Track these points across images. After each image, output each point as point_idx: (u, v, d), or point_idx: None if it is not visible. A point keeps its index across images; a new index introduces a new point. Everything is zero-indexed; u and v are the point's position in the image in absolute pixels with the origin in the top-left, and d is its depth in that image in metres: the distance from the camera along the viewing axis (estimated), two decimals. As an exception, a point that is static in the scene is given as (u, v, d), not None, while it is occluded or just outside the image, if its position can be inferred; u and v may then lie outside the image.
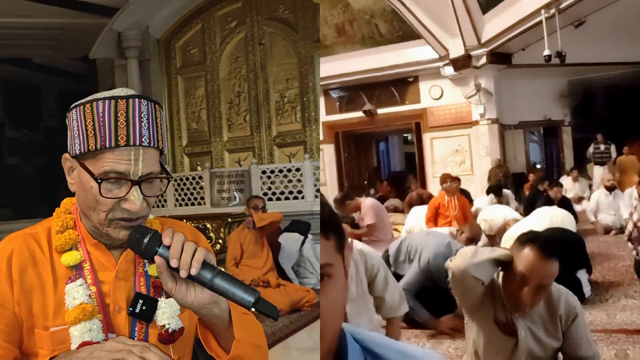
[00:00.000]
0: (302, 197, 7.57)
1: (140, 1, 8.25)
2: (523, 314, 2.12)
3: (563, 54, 7.83)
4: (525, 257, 2.01)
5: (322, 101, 12.73)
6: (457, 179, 7.08)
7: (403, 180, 12.61)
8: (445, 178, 7.06)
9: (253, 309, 1.03)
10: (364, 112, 11.93)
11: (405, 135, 16.02)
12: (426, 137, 11.52)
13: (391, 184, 12.56)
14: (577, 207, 8.62)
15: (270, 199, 7.44)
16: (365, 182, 12.49)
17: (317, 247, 6.46)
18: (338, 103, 12.40)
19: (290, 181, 7.72)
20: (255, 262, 5.58)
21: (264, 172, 7.86)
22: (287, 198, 7.65)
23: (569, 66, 9.54)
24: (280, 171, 7.84)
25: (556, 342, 2.14)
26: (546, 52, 7.85)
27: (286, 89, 8.66)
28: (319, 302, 5.32)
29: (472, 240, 4.52)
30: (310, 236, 6.46)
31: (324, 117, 12.57)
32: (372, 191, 11.23)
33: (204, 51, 9.15)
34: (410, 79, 11.64)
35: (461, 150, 11.15)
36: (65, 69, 12.79)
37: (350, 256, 0.90)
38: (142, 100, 1.17)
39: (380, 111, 12.10)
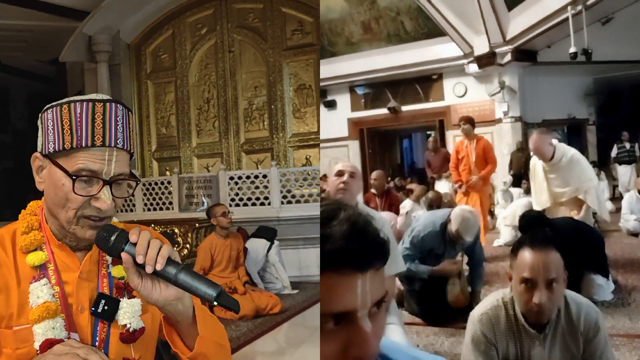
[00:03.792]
0: (269, 204, 7.94)
1: (111, 6, 8.72)
2: (543, 341, 2.10)
3: (589, 51, 7.79)
4: (520, 259, 2.02)
5: (347, 98, 13.08)
6: (471, 121, 6.93)
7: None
8: (460, 120, 7.10)
9: (215, 303, 1.11)
10: (389, 109, 12.30)
11: (428, 132, 15.81)
12: (449, 135, 11.55)
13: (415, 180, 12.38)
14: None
15: (237, 205, 7.91)
16: (389, 178, 12.25)
17: (282, 253, 6.96)
18: (363, 100, 12.91)
19: (257, 187, 8.11)
20: (225, 272, 5.91)
21: (231, 178, 8.23)
22: (254, 204, 8.03)
23: (595, 64, 9.58)
24: (248, 177, 8.23)
25: None
26: (572, 50, 7.80)
27: (254, 97, 9.10)
28: (283, 309, 5.68)
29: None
30: (276, 242, 6.87)
31: (349, 113, 13.14)
32: (392, 184, 11.03)
33: (174, 57, 9.58)
34: (435, 77, 12.06)
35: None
36: (35, 72, 13.26)
37: None
38: (118, 105, 1.29)
39: (404, 108, 12.71)
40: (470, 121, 6.93)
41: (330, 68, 11.86)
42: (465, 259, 4.82)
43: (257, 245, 6.69)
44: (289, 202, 7.94)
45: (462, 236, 4.31)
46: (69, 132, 1.22)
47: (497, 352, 2.14)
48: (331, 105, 13.01)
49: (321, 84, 10.18)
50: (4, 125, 14.04)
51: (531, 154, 5.28)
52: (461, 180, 6.88)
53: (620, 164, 11.61)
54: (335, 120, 12.98)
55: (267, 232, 6.90)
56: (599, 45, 8.23)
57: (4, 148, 13.73)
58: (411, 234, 4.62)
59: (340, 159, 13.07)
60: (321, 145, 9.24)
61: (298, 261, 7.26)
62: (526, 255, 1.98)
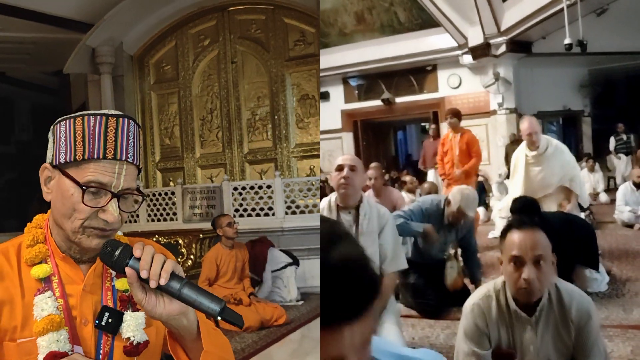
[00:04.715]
0: (273, 214, 7.98)
1: (114, 18, 8.76)
2: (534, 325, 2.16)
3: (584, 42, 7.80)
4: (508, 240, 2.12)
5: (341, 89, 13.11)
6: (457, 114, 6.93)
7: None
8: (447, 113, 7.13)
9: (219, 317, 1.12)
10: (383, 100, 12.09)
11: (423, 124, 15.79)
12: (444, 126, 11.28)
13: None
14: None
15: (241, 216, 7.96)
16: (384, 170, 12.29)
17: (298, 272, 7.08)
18: (357, 91, 12.83)
19: (261, 198, 8.12)
20: (230, 283, 5.96)
21: (235, 189, 8.24)
22: (257, 215, 8.07)
23: (590, 55, 9.57)
24: (252, 188, 8.25)
25: (569, 350, 2.16)
26: (567, 41, 7.80)
27: (257, 107, 9.14)
28: (288, 320, 5.75)
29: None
30: (296, 267, 7.01)
31: (342, 105, 13.18)
32: (386, 176, 11.06)
33: (177, 68, 9.67)
34: (429, 68, 11.99)
35: (479, 139, 10.87)
36: (38, 83, 13.33)
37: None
38: (130, 120, 1.33)
39: (398, 100, 12.64)
40: (457, 114, 6.93)
41: (323, 59, 11.82)
42: (460, 251, 4.86)
43: (279, 255, 6.86)
44: (293, 213, 7.92)
45: (465, 211, 4.35)
46: (82, 143, 1.26)
47: (489, 340, 2.22)
48: (324, 96, 12.92)
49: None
50: (7, 137, 14.11)
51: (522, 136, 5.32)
52: (444, 174, 6.97)
53: (619, 154, 11.68)
54: (329, 112, 13.03)
55: (292, 256, 7.01)
56: (594, 37, 8.27)
57: (8, 159, 13.77)
58: (411, 205, 4.78)
59: (335, 151, 13.10)
60: (315, 136, 9.24)
61: (303, 272, 7.23)
62: (514, 235, 2.09)
